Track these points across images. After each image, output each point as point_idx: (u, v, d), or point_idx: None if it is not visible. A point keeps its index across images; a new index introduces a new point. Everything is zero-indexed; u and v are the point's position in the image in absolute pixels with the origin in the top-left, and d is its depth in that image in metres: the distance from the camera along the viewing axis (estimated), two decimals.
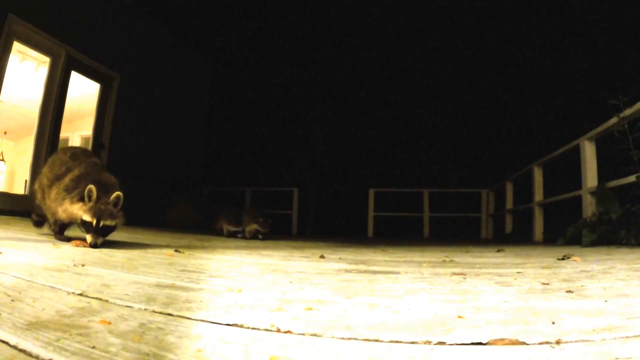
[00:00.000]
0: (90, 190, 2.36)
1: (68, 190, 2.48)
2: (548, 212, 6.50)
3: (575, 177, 5.08)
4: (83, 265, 1.57)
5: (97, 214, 2.35)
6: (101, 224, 2.36)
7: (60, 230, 2.73)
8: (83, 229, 2.42)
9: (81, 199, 2.40)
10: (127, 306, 0.99)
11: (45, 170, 2.80)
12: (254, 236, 5.45)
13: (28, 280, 1.20)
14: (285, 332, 0.82)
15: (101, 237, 2.39)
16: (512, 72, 11.52)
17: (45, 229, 3.01)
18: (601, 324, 0.87)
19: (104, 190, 2.43)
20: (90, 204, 2.38)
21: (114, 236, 2.69)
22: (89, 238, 2.35)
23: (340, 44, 12.80)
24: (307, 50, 12.89)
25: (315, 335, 0.81)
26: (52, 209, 2.62)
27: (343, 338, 0.80)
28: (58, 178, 2.61)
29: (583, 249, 3.53)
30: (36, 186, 2.87)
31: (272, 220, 5.67)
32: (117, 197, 2.44)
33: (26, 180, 6.08)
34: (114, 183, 2.56)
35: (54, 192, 2.57)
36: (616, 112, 4.15)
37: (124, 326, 0.82)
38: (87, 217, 2.35)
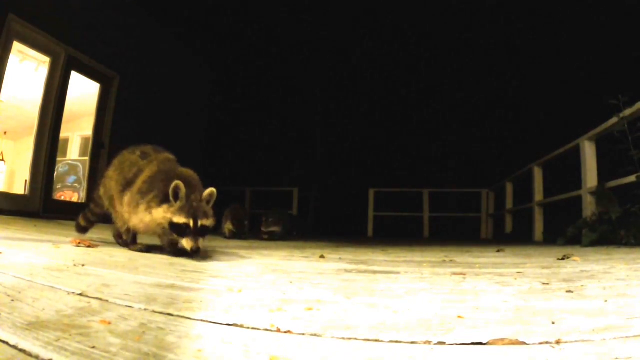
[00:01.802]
0: (177, 188, 2.04)
1: (143, 194, 2.16)
2: (548, 212, 6.50)
3: (575, 177, 5.08)
4: (83, 265, 1.57)
5: (192, 213, 2.04)
6: (199, 224, 2.05)
7: (134, 239, 2.46)
8: (175, 234, 2.08)
9: (165, 200, 2.07)
10: (127, 306, 0.99)
11: (111, 173, 2.48)
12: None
13: (28, 280, 1.20)
14: (285, 332, 0.82)
15: (200, 240, 2.06)
16: (512, 71, 11.51)
17: (92, 234, 2.93)
18: (601, 324, 0.87)
19: (189, 186, 2.11)
20: (179, 203, 2.06)
21: (112, 237, 2.69)
22: (187, 243, 2.02)
23: (341, 44, 12.80)
24: (307, 50, 12.89)
25: (315, 335, 0.81)
26: (124, 218, 2.31)
27: (343, 338, 0.80)
28: (130, 182, 2.29)
29: (583, 249, 3.53)
30: (101, 192, 2.56)
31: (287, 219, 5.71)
32: (211, 194, 2.15)
33: (26, 180, 6.07)
34: (197, 178, 2.24)
35: (127, 198, 2.25)
36: (616, 112, 4.15)
37: (124, 326, 0.82)
38: (180, 219, 2.03)
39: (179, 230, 2.05)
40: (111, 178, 2.46)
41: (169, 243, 2.20)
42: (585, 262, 2.29)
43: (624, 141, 4.01)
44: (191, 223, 2.03)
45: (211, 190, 2.15)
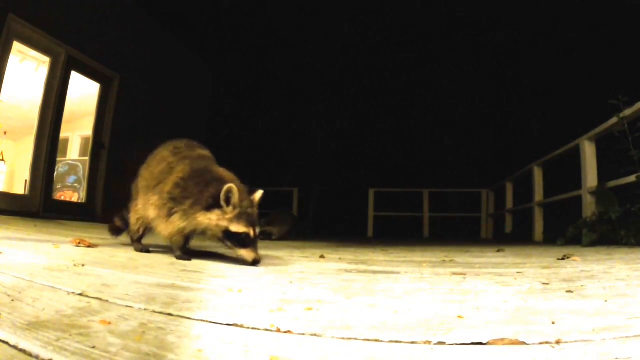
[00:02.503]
0: (230, 191, 1.84)
1: (176, 201, 1.94)
2: (548, 212, 6.50)
3: (575, 177, 5.08)
4: (83, 265, 1.57)
5: (251, 221, 1.87)
6: (256, 232, 1.90)
7: (140, 239, 2.31)
8: (230, 243, 1.91)
9: (213, 205, 1.86)
10: (127, 306, 0.99)
11: (143, 170, 2.33)
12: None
13: (28, 280, 1.20)
14: (285, 332, 0.82)
15: (258, 248, 1.92)
16: (512, 71, 11.51)
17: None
18: (601, 324, 0.87)
19: (245, 191, 1.94)
20: (232, 209, 1.86)
21: (113, 237, 2.69)
22: (248, 254, 1.87)
23: (341, 43, 12.80)
24: (308, 50, 12.88)
25: (315, 335, 0.81)
26: (151, 222, 2.10)
27: (343, 338, 0.80)
28: (156, 178, 2.10)
29: (583, 249, 3.53)
30: (133, 187, 2.41)
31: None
32: (261, 196, 1.98)
33: (26, 180, 6.07)
34: (237, 179, 2.02)
35: (153, 200, 2.05)
36: (616, 112, 4.15)
37: (124, 326, 0.82)
38: (239, 228, 1.84)
39: (238, 239, 1.86)
40: (142, 175, 2.31)
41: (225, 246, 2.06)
42: (585, 262, 2.29)
43: (624, 141, 4.01)
44: (252, 232, 1.87)
45: (261, 192, 1.98)
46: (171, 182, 1.99)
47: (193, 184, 1.94)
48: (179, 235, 2.00)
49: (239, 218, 1.85)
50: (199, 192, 1.90)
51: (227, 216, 1.86)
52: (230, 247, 1.94)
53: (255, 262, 1.87)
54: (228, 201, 1.86)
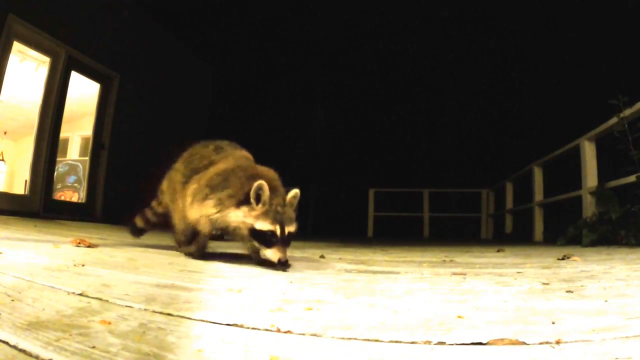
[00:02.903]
0: (260, 188, 1.76)
1: (214, 188, 1.87)
2: (548, 212, 6.50)
3: (575, 177, 5.08)
4: (83, 265, 1.57)
5: (279, 219, 1.78)
6: (285, 231, 1.78)
7: (187, 241, 2.16)
8: (257, 242, 1.83)
9: (245, 202, 1.79)
10: (127, 306, 0.99)
11: (178, 165, 2.22)
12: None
13: (28, 280, 1.20)
14: (285, 332, 0.82)
15: (287, 250, 1.80)
16: (512, 71, 11.51)
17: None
18: (601, 324, 0.87)
19: (272, 188, 1.82)
20: (261, 207, 1.78)
21: (114, 237, 2.69)
22: (273, 254, 1.76)
23: (341, 43, 12.80)
24: (308, 50, 12.88)
25: (315, 335, 0.81)
26: (183, 212, 2.02)
27: (343, 338, 0.80)
28: (197, 172, 2.03)
29: (583, 249, 3.53)
30: (164, 185, 2.30)
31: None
32: (295, 196, 1.87)
33: (26, 180, 6.07)
34: (278, 179, 1.94)
35: (192, 187, 1.97)
36: (616, 112, 4.15)
37: (124, 326, 0.82)
38: (264, 225, 1.76)
39: (263, 238, 1.77)
40: (177, 170, 2.19)
41: (252, 250, 1.98)
42: (585, 262, 2.29)
43: (624, 141, 4.01)
44: (278, 230, 1.76)
45: (295, 191, 1.87)
46: (213, 172, 1.94)
47: (235, 177, 1.87)
48: (206, 223, 1.89)
49: (265, 215, 1.76)
50: (238, 186, 1.83)
51: (254, 213, 1.77)
52: (258, 249, 1.85)
53: (281, 263, 1.74)
54: (258, 199, 1.78)
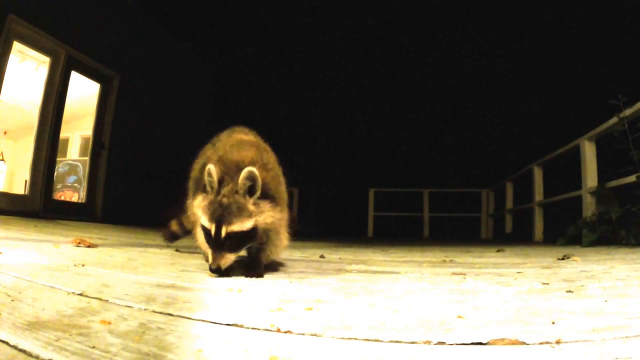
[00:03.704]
0: (208, 173, 1.47)
1: (196, 181, 1.72)
2: (548, 212, 6.50)
3: (575, 177, 5.08)
4: (83, 265, 1.57)
5: (217, 215, 1.43)
6: (223, 231, 1.42)
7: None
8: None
9: (204, 190, 1.52)
10: (127, 306, 0.99)
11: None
12: None
13: (28, 280, 1.20)
14: (285, 332, 0.82)
15: (227, 254, 1.44)
16: (512, 71, 11.52)
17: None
18: (601, 324, 0.87)
19: (235, 171, 1.48)
20: (208, 195, 1.48)
21: (114, 237, 2.68)
22: (209, 258, 1.47)
23: (341, 43, 12.80)
24: (308, 50, 12.89)
25: (315, 335, 0.81)
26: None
27: (343, 338, 0.79)
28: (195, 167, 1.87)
29: (583, 249, 3.53)
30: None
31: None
32: (248, 176, 1.45)
33: (26, 180, 6.07)
34: (249, 162, 1.53)
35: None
36: (616, 112, 4.15)
37: (124, 326, 0.82)
38: (204, 221, 1.47)
39: (206, 237, 1.49)
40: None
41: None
42: (585, 262, 2.29)
43: (624, 141, 4.01)
44: (213, 229, 1.43)
45: (247, 170, 1.45)
46: (198, 166, 1.78)
47: (205, 164, 1.63)
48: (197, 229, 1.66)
49: (208, 207, 1.46)
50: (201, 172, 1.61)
51: (204, 203, 1.48)
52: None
53: (211, 270, 1.44)
54: (210, 185, 1.49)
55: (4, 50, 5.30)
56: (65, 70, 6.24)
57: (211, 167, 1.47)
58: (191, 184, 1.87)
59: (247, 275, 1.53)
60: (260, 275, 1.56)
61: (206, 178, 1.49)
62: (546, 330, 0.83)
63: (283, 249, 1.72)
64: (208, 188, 1.49)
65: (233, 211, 1.43)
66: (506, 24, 11.21)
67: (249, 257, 1.69)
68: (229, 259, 1.46)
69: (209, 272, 1.47)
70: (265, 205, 1.51)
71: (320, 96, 13.34)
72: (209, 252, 1.47)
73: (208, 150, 1.84)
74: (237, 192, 1.46)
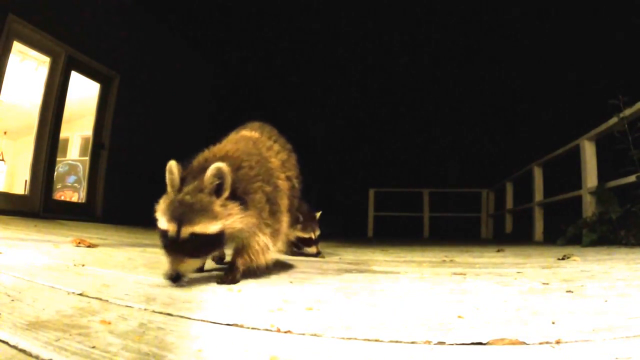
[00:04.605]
0: (168, 171, 1.35)
1: None
2: (548, 212, 6.50)
3: (575, 177, 5.08)
4: (83, 265, 1.57)
5: (176, 214, 1.28)
6: (183, 231, 1.26)
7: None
8: None
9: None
10: (127, 306, 0.99)
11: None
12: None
13: (28, 280, 1.20)
14: (285, 332, 0.82)
15: (188, 259, 1.29)
16: (512, 71, 11.52)
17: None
18: (601, 324, 0.87)
19: (202, 168, 1.36)
20: (169, 195, 1.36)
21: (114, 237, 2.68)
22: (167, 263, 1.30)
23: (342, 43, 12.81)
24: (308, 50, 12.89)
25: (315, 335, 0.81)
26: None
27: (343, 338, 0.79)
28: None
29: (583, 249, 3.52)
30: None
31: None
32: (215, 173, 1.31)
33: (26, 180, 6.07)
34: (228, 155, 1.46)
35: None
36: (616, 112, 4.15)
37: (124, 326, 0.82)
38: (161, 222, 1.33)
39: (163, 240, 1.33)
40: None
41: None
42: (585, 262, 2.29)
43: (624, 141, 4.01)
44: (171, 229, 1.28)
45: (214, 167, 1.31)
46: None
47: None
48: None
49: (166, 207, 1.32)
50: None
51: (162, 205, 1.35)
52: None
53: (168, 277, 1.26)
54: (172, 184, 1.37)
55: (4, 50, 5.30)
56: (65, 70, 6.23)
57: (172, 164, 1.34)
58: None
59: (220, 282, 1.38)
60: (234, 281, 1.40)
61: (167, 176, 1.35)
62: (546, 330, 0.83)
63: (268, 254, 1.51)
64: (169, 188, 1.36)
65: (196, 210, 1.28)
66: (506, 24, 11.21)
67: (228, 263, 1.56)
68: (191, 264, 1.29)
69: (166, 280, 1.25)
70: (234, 207, 1.34)
71: (321, 96, 13.34)
72: (167, 257, 1.28)
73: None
74: (201, 190, 1.31)
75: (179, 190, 1.33)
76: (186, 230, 1.26)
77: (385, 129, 13.36)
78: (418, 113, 13.02)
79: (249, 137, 1.71)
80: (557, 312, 1.00)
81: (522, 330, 0.83)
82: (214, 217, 1.30)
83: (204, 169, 1.34)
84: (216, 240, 1.32)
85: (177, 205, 1.29)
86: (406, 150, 13.14)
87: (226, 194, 1.33)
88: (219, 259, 1.98)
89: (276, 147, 1.76)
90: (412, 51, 12.64)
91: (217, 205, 1.32)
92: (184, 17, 9.92)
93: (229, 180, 1.33)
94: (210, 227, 1.29)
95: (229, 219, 1.32)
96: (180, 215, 1.27)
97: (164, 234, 1.30)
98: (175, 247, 1.27)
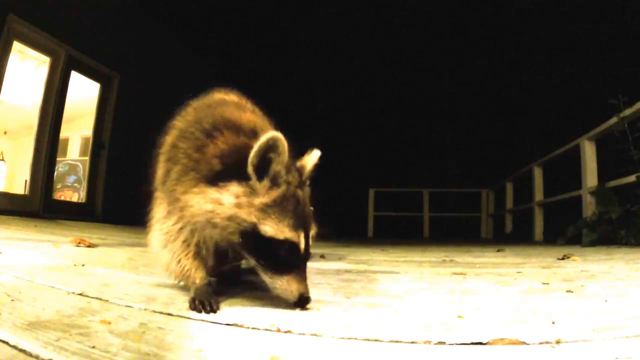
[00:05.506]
0: (271, 146, 0.98)
1: (172, 160, 1.15)
2: (548, 212, 6.50)
3: (575, 177, 5.08)
4: (83, 265, 1.57)
5: (302, 219, 1.01)
6: (308, 245, 1.03)
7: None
8: (256, 260, 1.03)
9: (226, 176, 0.98)
10: (127, 306, 0.99)
11: None
12: None
13: (28, 280, 1.20)
14: (285, 332, 0.82)
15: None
16: (511, 71, 11.51)
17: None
18: (601, 324, 0.87)
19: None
20: (272, 188, 0.98)
21: (114, 237, 2.68)
22: (290, 286, 0.99)
23: (341, 42, 12.80)
24: (308, 49, 12.89)
25: (315, 335, 0.81)
26: None
27: (343, 338, 0.79)
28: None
29: (583, 249, 3.52)
30: None
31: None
32: (315, 163, 1.14)
33: (26, 180, 6.07)
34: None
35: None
36: (616, 112, 4.15)
37: (124, 326, 0.82)
38: (280, 230, 0.97)
39: (272, 254, 1.00)
40: None
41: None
42: (585, 262, 2.29)
43: (624, 141, 4.01)
44: (301, 242, 1.02)
45: (317, 155, 1.13)
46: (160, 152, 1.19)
47: (187, 139, 1.07)
48: (174, 260, 1.10)
49: (280, 207, 0.95)
50: (193, 151, 1.02)
51: (258, 200, 0.95)
52: (254, 267, 1.03)
53: (302, 301, 0.97)
54: (264, 170, 0.96)
55: (4, 50, 5.30)
56: (65, 70, 6.23)
57: (278, 137, 0.94)
58: (162, 166, 1.23)
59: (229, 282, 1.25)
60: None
61: (257, 154, 0.94)
62: (546, 330, 0.83)
63: None
64: (251, 172, 0.94)
65: (309, 212, 1.01)
66: (506, 24, 11.21)
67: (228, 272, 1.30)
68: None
69: (294, 307, 0.98)
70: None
71: (321, 96, 13.34)
72: (291, 275, 0.96)
73: (179, 121, 1.25)
74: (302, 185, 1.01)
75: (288, 182, 0.98)
76: (308, 241, 0.98)
77: (385, 129, 13.36)
78: (418, 113, 13.02)
79: (237, 103, 1.35)
80: (557, 312, 1.00)
81: (522, 330, 0.83)
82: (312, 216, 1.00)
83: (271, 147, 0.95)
84: None
85: (301, 207, 0.97)
86: (406, 150, 13.13)
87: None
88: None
89: (258, 111, 1.42)
90: (412, 51, 12.64)
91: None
92: (184, 17, 9.92)
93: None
94: (314, 230, 1.02)
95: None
96: (304, 221, 0.98)
97: (291, 247, 0.95)
98: (304, 261, 0.99)
